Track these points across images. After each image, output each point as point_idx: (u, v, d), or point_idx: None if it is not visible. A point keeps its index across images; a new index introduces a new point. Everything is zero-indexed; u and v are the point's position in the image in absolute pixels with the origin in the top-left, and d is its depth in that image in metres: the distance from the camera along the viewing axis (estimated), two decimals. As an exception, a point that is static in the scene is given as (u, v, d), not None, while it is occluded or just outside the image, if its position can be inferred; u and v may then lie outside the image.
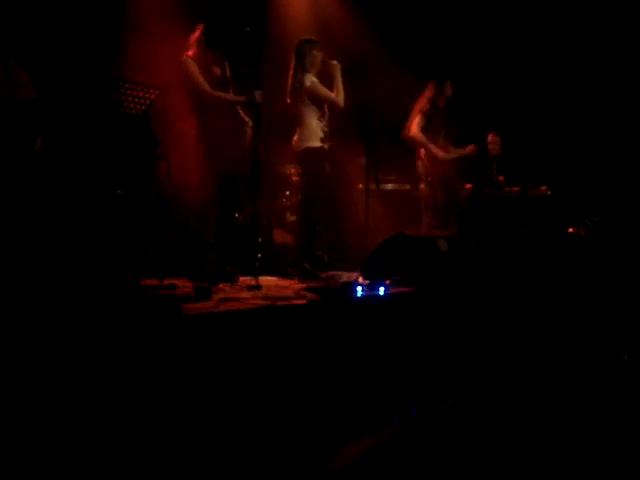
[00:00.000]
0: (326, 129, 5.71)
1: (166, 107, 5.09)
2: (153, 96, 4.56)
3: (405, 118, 6.54)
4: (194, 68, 5.30)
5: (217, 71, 5.46)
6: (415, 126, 6.45)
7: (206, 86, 5.31)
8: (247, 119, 5.56)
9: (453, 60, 7.12)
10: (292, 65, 5.69)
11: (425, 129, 6.44)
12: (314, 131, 5.65)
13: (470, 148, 6.65)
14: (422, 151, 6.49)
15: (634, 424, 3.24)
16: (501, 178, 7.28)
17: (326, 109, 5.72)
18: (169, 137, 5.16)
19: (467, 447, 3.03)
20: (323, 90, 5.65)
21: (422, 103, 6.46)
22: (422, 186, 6.53)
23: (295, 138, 5.75)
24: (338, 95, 5.66)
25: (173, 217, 5.62)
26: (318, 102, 5.67)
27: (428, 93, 6.46)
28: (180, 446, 2.99)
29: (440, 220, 6.43)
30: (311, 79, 5.63)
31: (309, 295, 4.75)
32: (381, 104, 6.28)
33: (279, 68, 5.80)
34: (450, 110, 6.53)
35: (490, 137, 7.45)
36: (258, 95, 5.30)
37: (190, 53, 5.34)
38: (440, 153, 6.47)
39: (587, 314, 4.68)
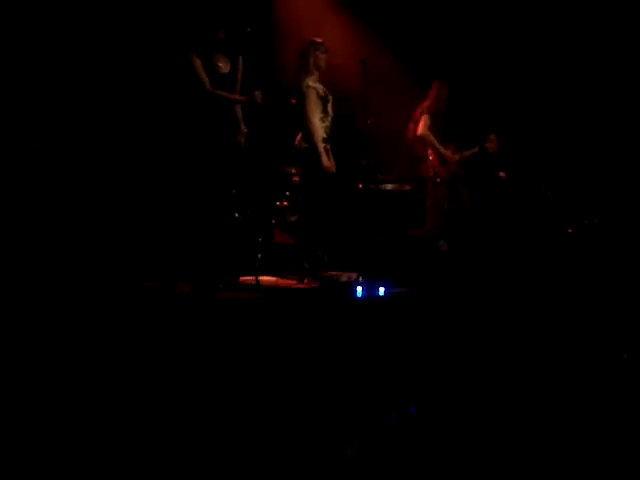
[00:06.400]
0: (329, 130, 5.69)
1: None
2: None
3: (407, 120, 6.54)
4: (198, 64, 5.21)
5: (224, 68, 5.36)
6: (424, 126, 6.41)
7: (207, 83, 5.25)
8: (243, 127, 5.51)
9: (451, 61, 7.11)
10: (297, 65, 5.66)
11: (431, 130, 6.44)
12: (317, 131, 5.63)
13: (474, 150, 6.62)
14: (430, 152, 6.46)
15: (634, 424, 3.24)
16: (502, 174, 7.27)
17: (329, 109, 5.70)
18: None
19: (468, 444, 3.04)
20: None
21: (427, 103, 6.45)
22: (429, 187, 6.48)
23: (298, 137, 5.73)
24: None
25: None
26: (321, 102, 5.65)
27: (433, 93, 6.45)
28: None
29: (444, 221, 6.41)
30: (308, 84, 5.61)
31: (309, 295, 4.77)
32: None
33: (280, 68, 5.80)
34: (450, 112, 6.53)
35: (490, 137, 7.43)
36: (258, 95, 5.29)
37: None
38: (448, 154, 6.45)
39: (587, 312, 4.69)
